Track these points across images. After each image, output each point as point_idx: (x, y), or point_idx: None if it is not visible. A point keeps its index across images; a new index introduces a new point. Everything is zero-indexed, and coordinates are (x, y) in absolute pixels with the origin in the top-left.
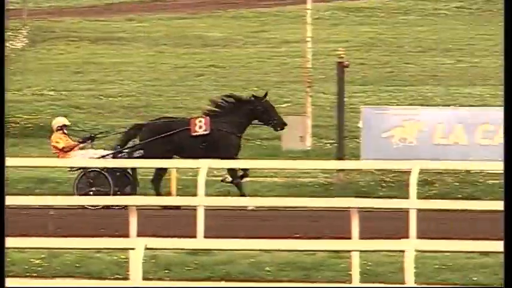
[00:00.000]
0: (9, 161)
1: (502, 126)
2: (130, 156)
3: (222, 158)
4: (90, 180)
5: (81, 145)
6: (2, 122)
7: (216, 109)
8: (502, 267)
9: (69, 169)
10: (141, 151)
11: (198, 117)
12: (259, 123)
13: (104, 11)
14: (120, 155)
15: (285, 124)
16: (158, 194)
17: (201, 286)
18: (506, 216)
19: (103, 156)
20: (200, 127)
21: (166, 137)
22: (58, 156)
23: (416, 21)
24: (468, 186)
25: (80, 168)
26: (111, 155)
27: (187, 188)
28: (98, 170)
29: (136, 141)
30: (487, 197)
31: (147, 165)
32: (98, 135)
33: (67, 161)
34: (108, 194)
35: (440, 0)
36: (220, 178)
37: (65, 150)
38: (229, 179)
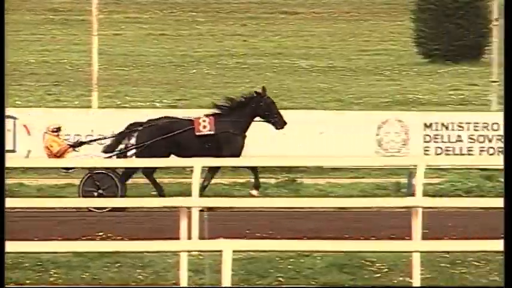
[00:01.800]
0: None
1: None
2: (125, 156)
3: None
4: (97, 182)
5: (71, 148)
6: (2, 122)
7: (219, 108)
8: (502, 267)
9: (64, 171)
10: (137, 151)
11: (202, 117)
12: (261, 120)
13: None
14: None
15: (286, 123)
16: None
17: None
18: (506, 216)
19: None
20: (204, 127)
21: (168, 138)
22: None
23: None
24: None
25: (71, 168)
26: (115, 157)
27: None
28: (104, 171)
29: (132, 140)
30: None
31: (151, 164)
32: (88, 142)
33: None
34: (116, 196)
35: None
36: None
37: (57, 155)
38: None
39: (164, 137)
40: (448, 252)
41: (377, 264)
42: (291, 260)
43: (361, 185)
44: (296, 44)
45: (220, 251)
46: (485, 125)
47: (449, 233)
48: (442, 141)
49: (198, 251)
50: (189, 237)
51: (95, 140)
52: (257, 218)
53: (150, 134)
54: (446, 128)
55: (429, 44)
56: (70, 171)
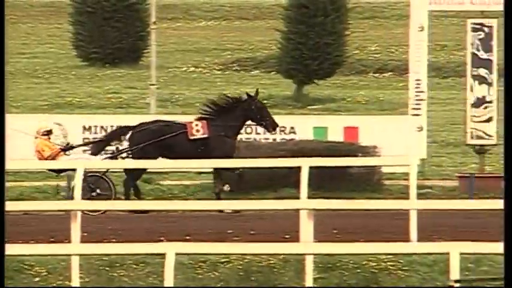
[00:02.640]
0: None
1: None
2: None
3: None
4: (91, 185)
5: (62, 152)
6: (2, 122)
7: (210, 111)
8: (503, 267)
9: (56, 174)
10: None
11: (194, 120)
12: (252, 123)
13: None
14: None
15: (277, 125)
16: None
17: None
18: (506, 216)
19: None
20: (198, 131)
21: (161, 141)
22: None
23: None
24: None
25: (62, 171)
26: (107, 159)
27: None
28: (99, 174)
29: (124, 144)
30: None
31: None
32: (78, 145)
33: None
34: (110, 198)
35: None
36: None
37: (48, 159)
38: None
39: (157, 140)
40: (107, 255)
41: (36, 268)
42: None
43: (20, 188)
44: None
45: None
46: None
47: (108, 236)
48: None
49: None
50: None
51: (85, 144)
52: None
53: (142, 138)
54: (106, 131)
55: (88, 47)
56: (61, 174)
